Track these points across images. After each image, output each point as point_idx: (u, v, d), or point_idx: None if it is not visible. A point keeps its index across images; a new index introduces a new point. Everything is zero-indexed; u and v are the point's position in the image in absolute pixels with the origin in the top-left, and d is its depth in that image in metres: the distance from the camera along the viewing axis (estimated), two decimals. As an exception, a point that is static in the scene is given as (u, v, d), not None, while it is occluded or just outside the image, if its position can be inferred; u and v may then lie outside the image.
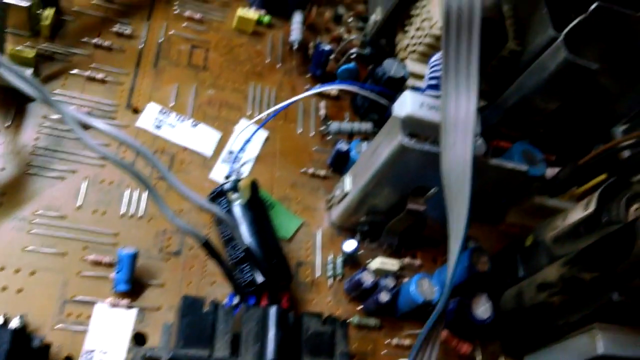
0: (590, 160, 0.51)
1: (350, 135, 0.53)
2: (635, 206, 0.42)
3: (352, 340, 0.44)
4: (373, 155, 0.43)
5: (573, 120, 0.58)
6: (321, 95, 0.55)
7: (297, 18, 0.55)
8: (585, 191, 0.52)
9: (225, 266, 0.38)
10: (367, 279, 0.44)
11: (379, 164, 0.42)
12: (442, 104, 0.37)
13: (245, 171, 0.48)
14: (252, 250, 0.39)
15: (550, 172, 0.55)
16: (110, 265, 0.40)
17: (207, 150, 0.48)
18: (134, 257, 0.39)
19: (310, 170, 0.51)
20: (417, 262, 0.50)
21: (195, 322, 0.34)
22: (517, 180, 0.43)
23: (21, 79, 0.37)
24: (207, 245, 0.37)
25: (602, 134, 0.58)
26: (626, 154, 0.52)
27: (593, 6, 0.46)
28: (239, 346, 0.34)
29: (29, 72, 0.44)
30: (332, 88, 0.52)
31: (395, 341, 0.45)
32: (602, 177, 0.51)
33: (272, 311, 0.35)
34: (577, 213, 0.45)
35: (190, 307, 0.35)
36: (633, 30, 0.49)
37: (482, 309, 0.44)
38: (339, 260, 0.47)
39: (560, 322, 0.43)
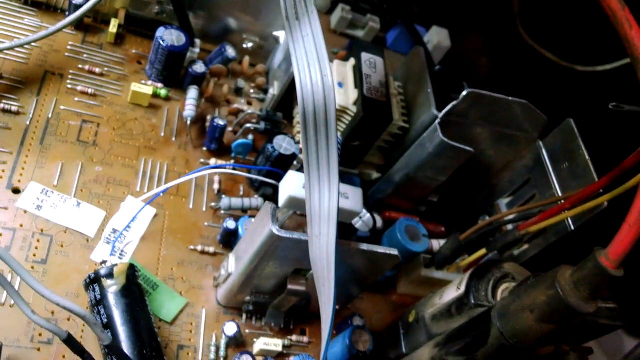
0: (471, 234, 0.53)
1: (243, 210, 0.54)
2: (503, 287, 0.44)
3: None
4: (251, 239, 0.44)
5: (460, 193, 0.60)
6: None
7: (191, 94, 0.56)
8: (468, 264, 0.54)
9: (90, 359, 0.38)
10: (246, 363, 0.44)
11: (255, 249, 0.43)
12: (306, 196, 0.39)
13: (129, 251, 0.48)
14: (118, 347, 0.38)
15: (438, 244, 0.57)
16: (-28, 359, 0.39)
17: (90, 230, 0.48)
18: (-5, 352, 0.38)
19: (200, 248, 0.51)
20: (305, 339, 0.50)
21: None
22: (391, 262, 0.45)
23: None
24: (69, 341, 0.36)
25: (489, 205, 0.61)
26: (509, 227, 0.55)
27: (465, 92, 0.49)
28: None
29: None
30: (218, 171, 0.52)
31: None
32: (482, 252, 0.53)
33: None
34: (451, 292, 0.46)
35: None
36: (508, 112, 0.53)
37: (360, 389, 0.45)
38: (223, 342, 0.47)
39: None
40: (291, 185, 0.44)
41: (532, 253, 0.53)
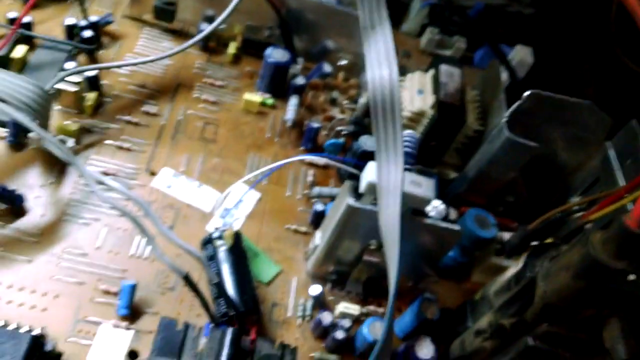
0: (538, 224, 0.57)
1: (332, 198, 0.63)
2: (557, 264, 0.49)
3: (313, 373, 0.52)
4: (333, 214, 0.52)
5: (536, 193, 0.65)
6: (311, 165, 0.65)
7: (292, 101, 0.67)
8: (536, 253, 0.59)
9: (201, 297, 0.48)
10: (327, 318, 0.52)
11: (335, 221, 0.51)
12: (377, 174, 0.46)
13: (237, 225, 0.58)
14: (224, 286, 0.48)
15: (508, 236, 0.62)
16: (116, 294, 0.50)
17: (207, 207, 0.59)
18: (133, 287, 0.49)
19: (294, 227, 0.60)
20: (381, 310, 0.57)
21: (169, 338, 0.44)
22: (455, 238, 0.51)
23: (56, 148, 0.49)
24: (187, 280, 0.47)
25: (561, 203, 0.65)
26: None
27: (527, 93, 0.55)
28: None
29: (71, 141, 0.57)
30: (306, 158, 0.62)
31: (351, 377, 0.52)
32: (550, 240, 0.57)
33: (228, 333, 0.44)
34: (512, 270, 0.52)
35: (166, 326, 0.44)
36: (573, 113, 0.57)
37: (425, 351, 0.51)
38: (309, 303, 0.55)
39: (493, 366, 0.50)
40: (370, 173, 0.52)
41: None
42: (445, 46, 0.84)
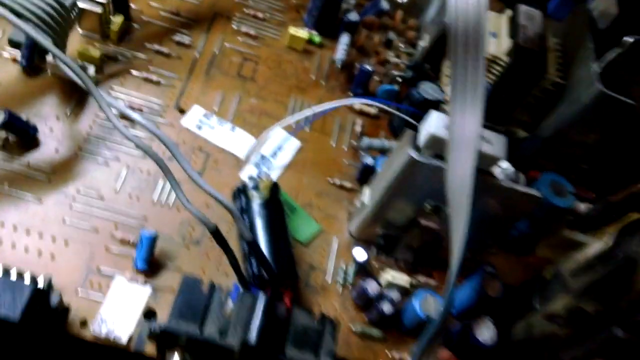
0: (623, 198, 0.49)
1: (382, 152, 0.55)
2: (654, 245, 0.41)
3: (353, 347, 0.45)
4: (388, 168, 0.45)
5: (615, 157, 0.56)
6: (360, 113, 0.57)
7: (343, 39, 0.58)
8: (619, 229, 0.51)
9: (231, 256, 0.41)
10: (373, 288, 0.45)
11: (390, 177, 0.43)
12: (449, 122, 0.39)
13: (274, 175, 0.51)
14: (258, 245, 0.41)
15: (585, 208, 0.53)
16: (134, 244, 0.44)
17: (241, 152, 0.52)
18: (153, 239, 0.43)
19: (338, 182, 0.53)
20: (432, 281, 0.50)
21: (192, 300, 0.37)
22: (529, 206, 0.43)
23: (74, 73, 0.42)
24: (215, 234, 0.40)
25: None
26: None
27: (631, 40, 0.46)
28: (228, 328, 0.37)
29: (92, 69, 0.50)
30: (357, 102, 0.54)
31: (397, 355, 0.45)
32: (636, 215, 0.49)
33: (260, 299, 0.37)
34: (596, 247, 0.44)
35: (189, 286, 0.38)
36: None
37: (485, 333, 0.44)
38: (351, 269, 0.48)
39: (566, 357, 0.42)
40: (433, 124, 0.44)
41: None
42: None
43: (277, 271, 0.42)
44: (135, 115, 0.40)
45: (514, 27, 0.53)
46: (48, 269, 0.41)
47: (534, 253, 0.55)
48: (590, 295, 0.39)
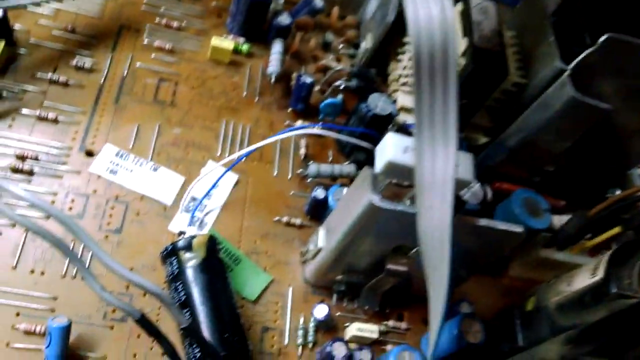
0: (602, 210, 0.44)
1: (333, 178, 0.48)
2: (652, 274, 0.36)
3: (323, 419, 0.39)
4: (345, 210, 0.38)
5: (585, 161, 0.51)
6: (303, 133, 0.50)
7: (276, 48, 0.50)
8: (597, 245, 0.46)
9: (167, 344, 0.33)
10: (339, 352, 0.38)
11: (350, 221, 0.37)
12: (415, 161, 0.32)
13: (209, 221, 0.43)
14: (198, 330, 0.34)
15: (558, 220, 0.48)
16: (44, 334, 0.36)
17: (168, 197, 0.43)
18: (65, 329, 0.34)
19: (285, 219, 0.45)
20: (403, 325, 0.44)
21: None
22: (512, 240, 0.38)
23: None
24: (142, 322, 0.32)
25: (618, 176, 0.52)
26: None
27: (603, 37, 0.40)
28: None
29: (-32, 113, 0.40)
30: (305, 132, 0.46)
31: (372, 421, 0.39)
32: (616, 230, 0.44)
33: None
34: (584, 278, 0.39)
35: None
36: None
37: (471, 387, 0.39)
38: (312, 325, 0.41)
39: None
40: (390, 149, 0.38)
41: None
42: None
43: (224, 352, 0.35)
44: (17, 190, 0.31)
45: (467, 24, 0.47)
46: None
47: (506, 272, 0.50)
48: (589, 345, 0.34)
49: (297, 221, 0.46)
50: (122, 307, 0.32)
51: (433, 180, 0.32)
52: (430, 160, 0.31)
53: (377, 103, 0.46)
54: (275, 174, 0.48)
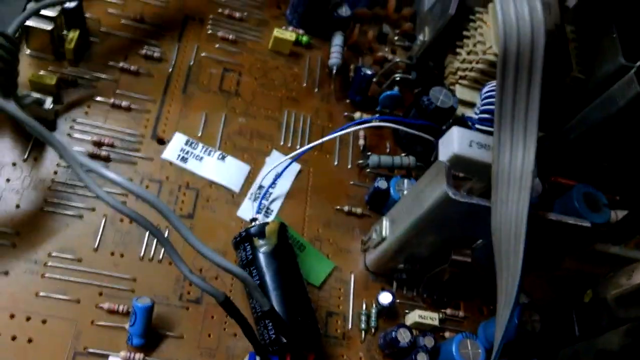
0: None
1: (391, 169, 0.49)
2: None
3: (386, 402, 0.40)
4: (415, 201, 0.39)
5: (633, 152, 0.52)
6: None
7: (337, 41, 0.51)
8: (655, 240, 0.47)
9: (246, 326, 0.35)
10: (404, 337, 0.40)
11: (421, 212, 0.38)
12: (494, 154, 0.33)
13: (275, 209, 0.45)
14: (276, 312, 0.35)
15: (615, 215, 0.49)
16: (126, 314, 0.37)
17: (235, 185, 0.45)
18: (149, 310, 0.36)
19: (346, 208, 0.47)
20: (460, 313, 0.45)
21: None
22: (578, 234, 0.38)
23: (25, 123, 0.34)
24: (225, 304, 0.34)
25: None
26: None
27: (673, 36, 0.41)
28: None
29: (49, 100, 0.42)
30: (369, 126, 0.47)
31: (434, 405, 0.41)
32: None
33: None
34: (643, 270, 0.39)
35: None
36: None
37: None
38: (374, 311, 0.43)
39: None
40: (456, 141, 0.39)
41: None
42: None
43: (297, 333, 0.36)
44: (102, 170, 0.32)
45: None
46: (27, 356, 0.34)
47: (560, 265, 0.51)
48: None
49: (358, 210, 0.47)
50: (208, 290, 0.33)
51: (511, 175, 0.32)
52: (509, 155, 0.32)
53: (438, 96, 0.47)
54: (335, 163, 0.49)
